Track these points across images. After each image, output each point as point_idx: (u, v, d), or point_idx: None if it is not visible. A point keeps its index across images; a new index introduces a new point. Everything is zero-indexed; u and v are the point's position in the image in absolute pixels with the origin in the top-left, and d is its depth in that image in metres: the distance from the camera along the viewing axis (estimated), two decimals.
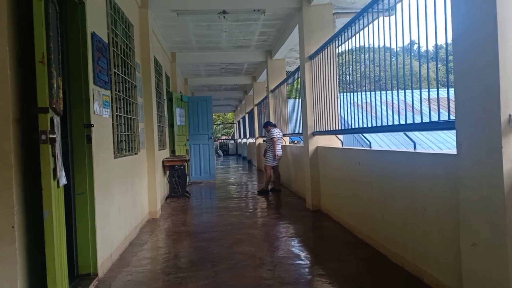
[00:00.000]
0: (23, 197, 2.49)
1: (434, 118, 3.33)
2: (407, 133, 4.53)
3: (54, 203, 2.38)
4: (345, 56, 5.72)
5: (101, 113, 4.11)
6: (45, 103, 2.33)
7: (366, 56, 4.98)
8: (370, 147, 5.64)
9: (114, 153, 4.63)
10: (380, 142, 13.40)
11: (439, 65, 3.45)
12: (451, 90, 2.85)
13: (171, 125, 10.36)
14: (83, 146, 3.69)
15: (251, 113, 18.41)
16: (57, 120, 2.64)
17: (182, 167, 8.76)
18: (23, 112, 2.55)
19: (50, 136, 2.35)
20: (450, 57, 2.82)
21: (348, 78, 5.81)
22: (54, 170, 2.46)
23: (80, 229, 3.64)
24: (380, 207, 4.30)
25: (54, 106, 2.44)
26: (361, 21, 4.85)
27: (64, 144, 3.51)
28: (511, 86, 2.31)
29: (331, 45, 5.94)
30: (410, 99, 3.76)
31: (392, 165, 4.07)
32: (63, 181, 2.67)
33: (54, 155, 2.45)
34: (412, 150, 3.82)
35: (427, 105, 3.42)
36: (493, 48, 2.31)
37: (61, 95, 2.84)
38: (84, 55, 3.77)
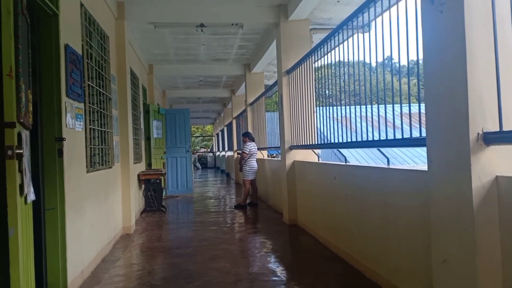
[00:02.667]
0: None
1: (410, 133, 3.37)
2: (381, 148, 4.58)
3: (20, 220, 2.30)
4: (323, 70, 5.79)
5: (73, 126, 4.03)
6: (12, 117, 2.26)
7: (343, 71, 5.05)
8: (346, 162, 5.69)
9: (86, 167, 4.54)
10: (357, 156, 13.54)
11: (415, 80, 3.51)
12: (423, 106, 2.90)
13: (148, 138, 10.25)
14: (54, 160, 3.60)
15: (229, 126, 18.39)
16: (25, 134, 2.57)
17: (158, 181, 8.65)
18: None
19: (17, 151, 2.28)
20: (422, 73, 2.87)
21: (326, 92, 5.87)
22: (21, 186, 2.39)
23: (50, 245, 3.53)
24: (355, 222, 4.32)
25: (22, 120, 2.38)
26: (337, 37, 4.92)
27: (35, 157, 3.41)
28: (479, 105, 2.36)
29: (308, 60, 6.01)
30: (387, 113, 3.81)
31: (366, 180, 4.11)
32: (31, 197, 2.59)
33: (21, 171, 2.38)
34: (385, 165, 3.87)
35: (404, 120, 3.46)
36: (462, 66, 2.36)
37: (31, 109, 2.77)
38: (57, 67, 3.70)
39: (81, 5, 4.63)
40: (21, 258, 2.27)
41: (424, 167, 3.10)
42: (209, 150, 40.26)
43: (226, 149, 21.43)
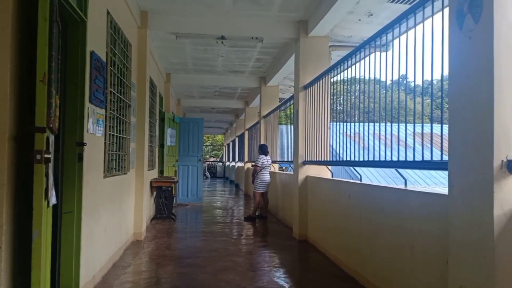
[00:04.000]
0: (12, 216, 2.44)
1: (426, 155, 3.37)
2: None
3: (43, 223, 2.33)
4: (337, 86, 5.82)
5: (94, 132, 4.09)
6: (43, 122, 2.31)
7: (357, 88, 5.07)
8: (361, 180, 5.67)
9: (104, 172, 4.58)
10: (368, 174, 13.49)
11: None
12: (445, 127, 2.89)
13: (162, 145, 10.32)
14: (74, 164, 3.65)
15: (241, 137, 18.43)
16: (51, 138, 2.62)
17: (169, 189, 8.68)
18: (19, 130, 2.52)
19: (45, 156, 2.33)
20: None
21: (339, 108, 5.89)
22: (46, 190, 2.43)
23: (65, 249, 3.56)
24: (369, 242, 4.29)
25: (50, 125, 2.43)
26: (357, 56, 4.95)
27: (55, 160, 3.46)
28: (504, 132, 2.35)
29: (326, 77, 6.04)
30: (401, 133, 3.81)
31: (382, 201, 4.09)
32: (53, 200, 2.63)
33: (46, 175, 2.42)
34: (403, 187, 3.85)
35: (418, 141, 3.47)
36: (489, 93, 2.36)
37: (58, 114, 2.82)
38: (82, 73, 3.77)
39: (108, 12, 4.72)
40: (42, 261, 2.30)
41: (442, 190, 3.09)
42: (218, 159, 40.32)
43: (237, 159, 21.45)
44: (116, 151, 5.21)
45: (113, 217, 5.04)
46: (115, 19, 5.02)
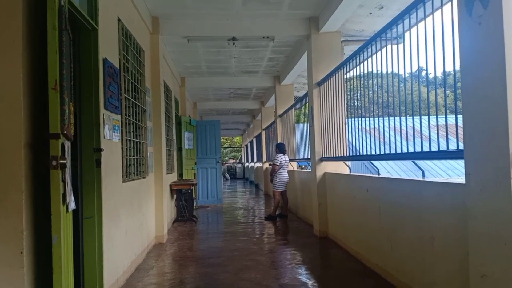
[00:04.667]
0: (32, 222, 2.51)
1: (443, 145, 3.32)
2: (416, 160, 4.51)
3: (62, 228, 2.39)
4: (353, 81, 5.78)
5: (111, 138, 4.16)
6: (56, 129, 2.37)
7: (374, 82, 5.03)
8: (379, 174, 5.62)
9: (122, 177, 4.66)
10: (388, 167, 13.32)
11: (447, 92, 3.46)
12: (460, 117, 2.85)
13: (179, 149, 10.42)
14: (92, 170, 3.71)
15: (259, 137, 18.46)
16: (67, 145, 2.68)
17: (189, 191, 8.76)
18: (34, 137, 2.59)
19: (61, 161, 2.38)
20: (459, 84, 2.83)
21: (356, 104, 5.85)
22: (64, 195, 2.49)
23: (88, 253, 3.63)
24: (389, 236, 4.25)
25: (65, 131, 2.49)
26: (369, 49, 4.91)
27: (73, 167, 3.54)
28: None
29: (339, 72, 6.00)
30: (418, 125, 3.76)
31: (400, 194, 4.05)
32: (72, 206, 2.68)
33: (63, 180, 2.48)
34: (420, 178, 3.80)
35: (435, 132, 3.42)
36: (501, 80, 2.31)
37: (72, 120, 2.88)
38: (96, 80, 3.83)
39: (119, 20, 4.80)
40: (63, 266, 2.36)
41: (460, 180, 3.04)
42: (237, 161, 40.45)
43: (255, 160, 21.49)
44: (133, 156, 5.29)
45: (133, 220, 5.11)
46: (126, 26, 5.09)
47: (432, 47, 3.40)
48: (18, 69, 2.46)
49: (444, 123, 3.33)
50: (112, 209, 4.14)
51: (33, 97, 2.61)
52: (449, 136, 3.27)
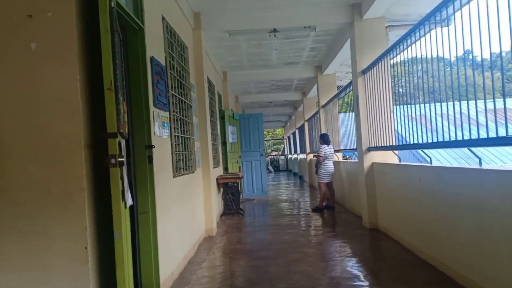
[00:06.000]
0: (94, 219, 2.61)
1: (501, 132, 3.16)
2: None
3: (123, 224, 2.47)
4: (397, 67, 5.61)
5: (160, 134, 4.25)
6: (113, 128, 2.44)
7: (420, 67, 4.85)
8: (431, 163, 5.44)
9: (173, 172, 4.76)
10: (438, 156, 12.87)
11: (498, 74, 3.29)
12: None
13: (224, 143, 10.53)
14: (145, 166, 3.81)
15: (301, 129, 18.35)
16: (123, 143, 2.76)
17: (235, 184, 8.85)
18: (92, 137, 2.68)
19: (119, 159, 2.46)
20: (510, 65, 2.68)
21: (401, 91, 5.67)
22: (122, 192, 2.56)
23: (144, 247, 3.74)
24: (444, 226, 4.11)
25: (121, 130, 2.56)
26: (417, 33, 4.74)
27: (127, 164, 3.64)
28: None
29: (385, 59, 5.83)
30: (471, 111, 3.60)
31: (456, 182, 3.89)
32: (129, 202, 2.77)
33: (122, 178, 2.55)
34: (477, 167, 3.64)
35: (489, 118, 3.26)
36: None
37: (126, 119, 2.96)
38: (145, 79, 3.92)
39: (163, 18, 4.88)
40: (125, 260, 2.44)
41: None
42: (280, 153, 40.44)
43: (298, 151, 21.39)
44: (182, 151, 5.39)
45: (185, 215, 5.22)
46: (170, 24, 5.17)
47: (486, 27, 3.23)
48: (75, 71, 2.55)
49: (502, 107, 3.16)
50: (165, 204, 4.24)
51: (87, 98, 2.70)
52: (500, 121, 3.11)
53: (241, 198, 10.07)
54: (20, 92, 2.57)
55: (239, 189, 9.35)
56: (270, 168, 30.74)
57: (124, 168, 2.68)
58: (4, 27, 2.59)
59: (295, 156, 23.84)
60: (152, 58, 4.15)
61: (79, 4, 2.67)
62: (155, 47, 4.34)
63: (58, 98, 2.56)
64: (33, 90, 2.57)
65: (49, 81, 2.57)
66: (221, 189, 8.85)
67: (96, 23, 2.65)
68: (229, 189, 8.77)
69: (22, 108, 2.57)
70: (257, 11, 6.82)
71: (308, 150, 15.83)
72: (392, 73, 5.85)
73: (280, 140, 43.87)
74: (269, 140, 45.49)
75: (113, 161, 2.42)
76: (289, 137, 29.29)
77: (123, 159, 2.52)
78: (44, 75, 2.58)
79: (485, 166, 3.66)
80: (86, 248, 2.46)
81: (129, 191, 2.81)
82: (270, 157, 36.11)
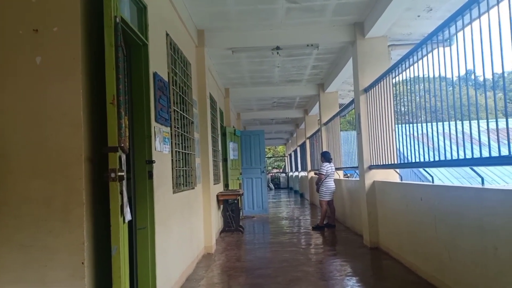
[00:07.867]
0: (92, 233, 2.58)
1: (503, 151, 3.14)
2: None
3: (121, 239, 2.44)
4: (400, 86, 5.63)
5: (161, 150, 4.24)
6: (115, 142, 2.44)
7: (422, 87, 4.87)
8: (433, 182, 5.41)
9: (173, 188, 4.73)
10: (440, 175, 12.83)
11: (500, 94, 3.30)
12: None
13: (225, 159, 10.51)
14: (144, 181, 3.79)
15: (302, 146, 18.35)
16: (123, 157, 2.74)
17: (235, 201, 8.80)
18: (93, 151, 2.68)
19: (119, 174, 2.44)
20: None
21: (403, 109, 5.68)
22: (121, 206, 2.54)
23: (141, 263, 3.69)
24: (446, 246, 4.06)
25: (122, 144, 2.55)
26: (419, 53, 4.77)
27: (127, 179, 3.62)
28: None
29: (388, 78, 5.86)
30: (472, 130, 3.60)
31: (458, 202, 3.86)
32: (128, 217, 2.74)
33: (121, 192, 2.53)
34: (480, 186, 3.62)
35: (490, 137, 3.25)
36: None
37: (127, 134, 2.96)
38: (147, 94, 3.93)
39: (167, 34, 4.92)
40: (122, 275, 2.40)
41: None
42: (281, 170, 40.35)
43: (300, 169, 21.35)
44: (182, 167, 5.37)
45: (184, 231, 5.17)
46: (174, 40, 5.21)
47: (488, 47, 3.25)
48: (78, 85, 2.56)
49: (504, 127, 3.16)
50: (164, 220, 4.20)
51: (90, 112, 2.70)
52: (503, 141, 3.10)
53: (241, 215, 10.00)
54: (23, 105, 2.58)
55: (239, 206, 9.29)
56: (271, 185, 30.62)
57: (124, 182, 2.66)
58: (11, 40, 2.61)
59: (296, 173, 23.78)
60: (155, 74, 4.17)
61: (84, 20, 2.69)
62: (158, 63, 4.36)
63: (61, 112, 2.56)
64: (37, 103, 2.58)
65: (52, 95, 2.58)
66: (221, 206, 8.79)
67: (101, 38, 2.67)
68: (229, 206, 8.72)
69: (25, 121, 2.57)
70: (260, 29, 6.89)
71: (309, 168, 15.80)
72: (394, 92, 5.86)
73: (281, 158, 43.82)
74: (270, 157, 45.45)
75: (113, 175, 2.41)
76: (290, 155, 29.27)
77: (123, 173, 2.51)
78: (47, 88, 2.58)
79: (487, 185, 3.63)
80: (83, 263, 2.43)
81: (128, 206, 2.79)
82: (271, 174, 36.02)
